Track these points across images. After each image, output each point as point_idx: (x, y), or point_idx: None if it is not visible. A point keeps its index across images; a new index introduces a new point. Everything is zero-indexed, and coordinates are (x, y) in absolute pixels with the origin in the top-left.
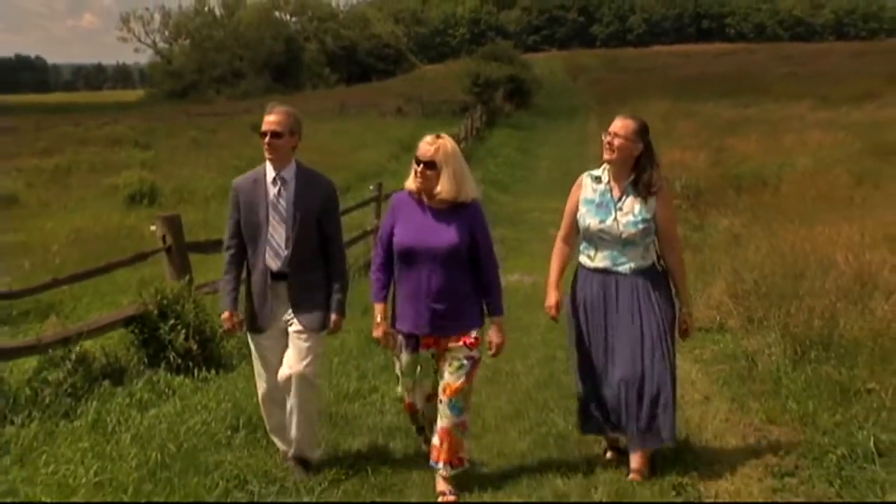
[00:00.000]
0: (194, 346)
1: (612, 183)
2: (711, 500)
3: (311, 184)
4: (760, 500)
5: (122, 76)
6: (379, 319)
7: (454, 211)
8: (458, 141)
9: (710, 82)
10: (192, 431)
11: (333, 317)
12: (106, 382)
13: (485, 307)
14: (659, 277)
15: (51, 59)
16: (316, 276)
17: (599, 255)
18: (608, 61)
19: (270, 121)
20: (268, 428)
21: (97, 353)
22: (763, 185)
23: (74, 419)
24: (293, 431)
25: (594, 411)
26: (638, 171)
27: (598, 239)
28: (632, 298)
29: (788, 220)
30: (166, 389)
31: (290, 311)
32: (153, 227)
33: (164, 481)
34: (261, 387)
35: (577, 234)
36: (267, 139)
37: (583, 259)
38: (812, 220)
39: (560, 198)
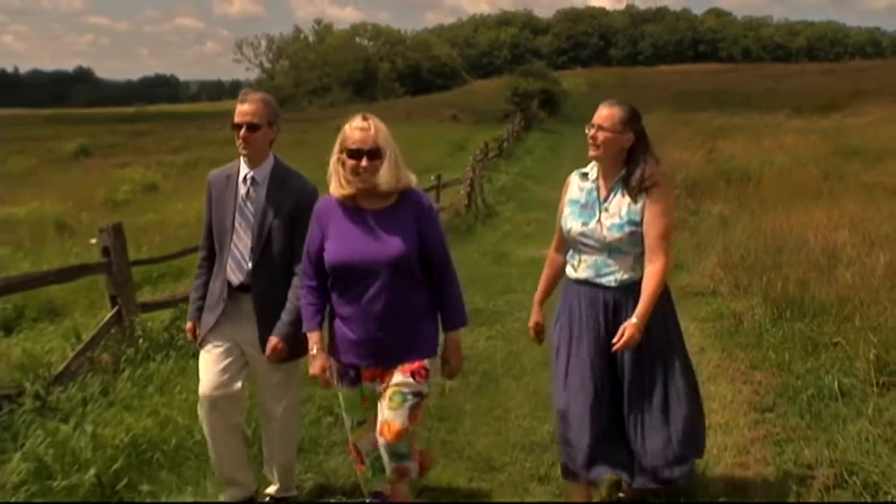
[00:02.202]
0: None
1: (601, 181)
2: (709, 501)
3: (286, 186)
4: (745, 429)
5: (236, 90)
6: (314, 351)
7: (395, 211)
8: (500, 142)
9: (704, 95)
10: None
11: (273, 340)
12: None
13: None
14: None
15: (181, 77)
16: (284, 294)
17: (583, 264)
18: (622, 78)
19: (245, 110)
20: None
21: None
22: (748, 178)
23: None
24: (275, 462)
25: (584, 452)
26: (630, 166)
27: (581, 245)
28: (613, 319)
29: (769, 207)
30: None
31: (253, 331)
32: None
33: None
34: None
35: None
36: (242, 132)
37: (568, 269)
38: (788, 207)
39: None
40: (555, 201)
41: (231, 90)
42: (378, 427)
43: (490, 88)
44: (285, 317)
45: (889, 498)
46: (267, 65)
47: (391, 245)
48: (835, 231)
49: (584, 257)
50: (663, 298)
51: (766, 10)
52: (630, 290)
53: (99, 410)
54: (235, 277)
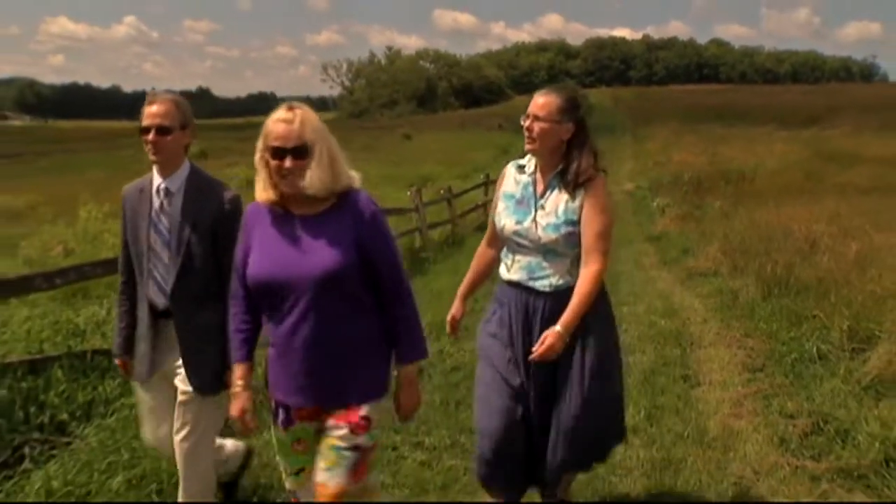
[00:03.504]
0: None
1: (538, 175)
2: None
3: (203, 195)
4: (739, 386)
5: (322, 104)
6: (238, 388)
7: (330, 217)
8: None
9: (708, 110)
10: None
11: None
12: None
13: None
14: (596, 302)
15: (279, 93)
16: (211, 318)
17: (516, 265)
18: (638, 95)
19: (154, 112)
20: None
21: None
22: (743, 179)
23: None
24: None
25: (498, 463)
26: (567, 159)
27: (514, 244)
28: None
29: (761, 202)
30: None
31: (175, 358)
32: None
33: None
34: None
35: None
36: (150, 136)
37: (501, 268)
38: (777, 202)
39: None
40: None
41: (318, 104)
42: (315, 486)
43: (529, 103)
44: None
45: (858, 441)
46: (347, 83)
47: (318, 258)
48: (815, 223)
49: (517, 257)
50: (600, 305)
51: (758, 41)
52: (566, 296)
53: None
54: (159, 299)
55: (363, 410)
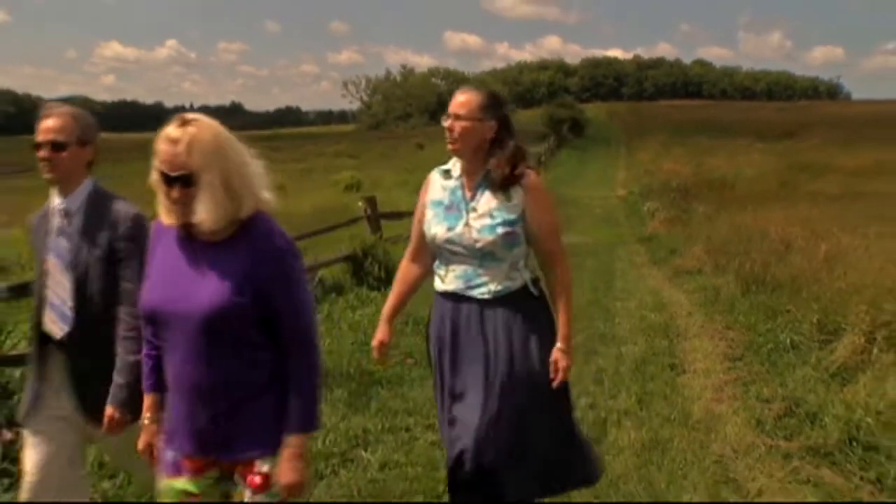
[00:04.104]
0: (383, 274)
1: (465, 178)
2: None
3: (104, 215)
4: (721, 373)
5: (342, 117)
6: (145, 420)
7: (231, 246)
8: (539, 156)
9: (693, 124)
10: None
11: (108, 409)
12: (332, 294)
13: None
14: (534, 305)
15: (303, 108)
16: (113, 347)
17: (451, 274)
18: (631, 110)
19: (48, 126)
20: None
21: (328, 277)
22: (725, 186)
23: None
24: None
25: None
26: (493, 159)
27: (448, 253)
28: (491, 336)
29: (741, 207)
30: (366, 299)
31: (69, 395)
32: (360, 203)
33: (365, 351)
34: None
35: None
36: (43, 152)
37: (435, 281)
38: (755, 208)
39: (598, 189)
40: (580, 199)
41: (339, 117)
42: None
43: (532, 116)
44: (118, 377)
45: (825, 422)
46: (365, 98)
47: (206, 292)
48: (789, 226)
49: (452, 267)
50: (541, 313)
51: (737, 62)
52: (506, 300)
53: None
54: (59, 329)
55: (262, 467)
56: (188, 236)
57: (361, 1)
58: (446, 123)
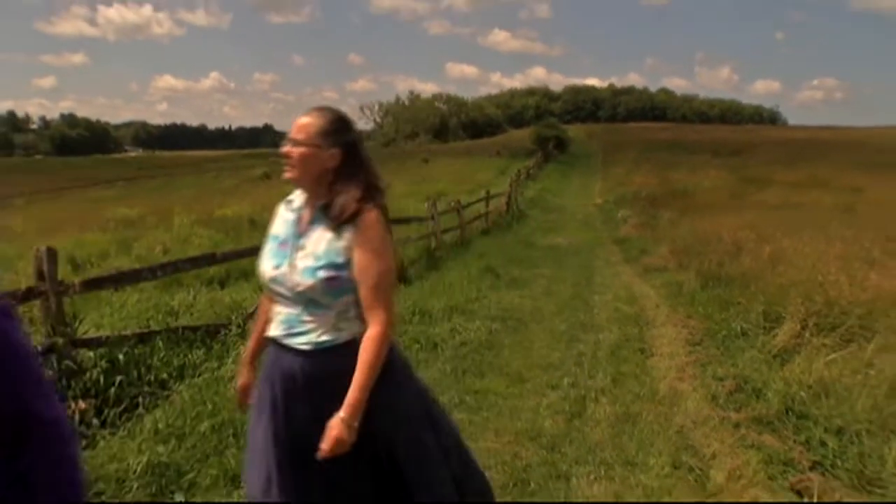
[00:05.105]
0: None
1: (305, 210)
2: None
3: None
4: (683, 356)
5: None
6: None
7: None
8: (528, 169)
9: (659, 143)
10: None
11: None
12: None
13: None
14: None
15: None
16: None
17: (277, 318)
18: (607, 130)
19: None
20: None
21: None
22: (686, 196)
23: None
24: None
25: None
26: (332, 192)
27: (276, 294)
28: (303, 401)
29: (700, 214)
30: None
31: None
32: None
33: None
34: None
35: None
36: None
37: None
38: (711, 214)
39: (579, 198)
40: (563, 206)
41: None
42: None
43: (522, 135)
44: None
45: (767, 396)
46: (378, 120)
47: None
48: (739, 231)
49: (279, 309)
50: (391, 369)
51: (695, 90)
52: (330, 356)
53: None
54: None
55: None
56: None
57: (374, 38)
58: (283, 149)
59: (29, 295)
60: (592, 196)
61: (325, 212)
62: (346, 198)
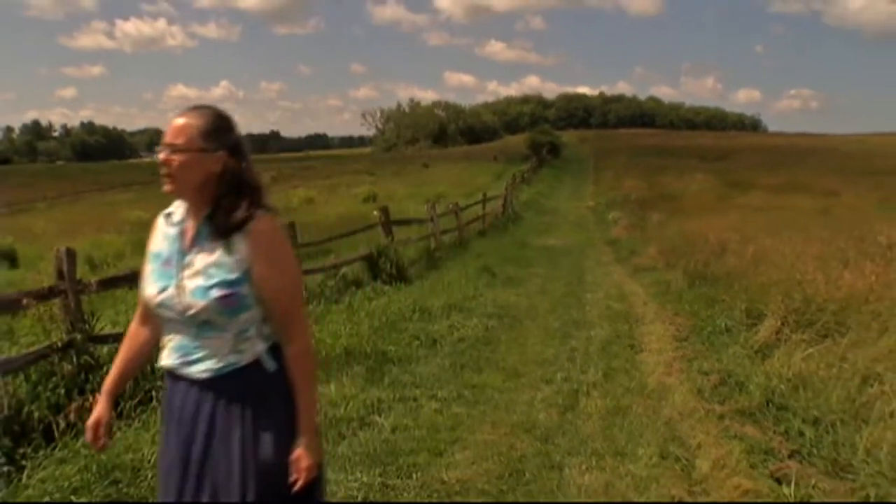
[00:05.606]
0: (394, 271)
1: (188, 222)
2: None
3: None
4: (670, 352)
5: (362, 141)
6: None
7: None
8: (523, 173)
9: (648, 149)
10: (393, 312)
11: None
12: (352, 287)
13: None
14: (270, 384)
15: (330, 134)
16: None
17: (169, 345)
18: (599, 136)
19: None
20: None
21: (349, 273)
22: (674, 199)
23: (339, 304)
24: None
25: None
26: (218, 200)
27: (165, 320)
28: (203, 430)
29: (687, 216)
30: (380, 291)
31: None
32: (375, 213)
33: (380, 334)
34: None
35: None
36: None
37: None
38: (698, 216)
39: (572, 201)
40: (557, 209)
41: (359, 142)
42: None
43: (517, 141)
44: None
45: (749, 389)
46: (380, 126)
47: None
48: (723, 232)
49: (170, 336)
50: (275, 385)
51: (681, 99)
52: (234, 382)
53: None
54: None
55: None
56: None
57: (376, 48)
58: (160, 157)
59: (50, 293)
60: (585, 199)
61: (211, 223)
62: (234, 205)
